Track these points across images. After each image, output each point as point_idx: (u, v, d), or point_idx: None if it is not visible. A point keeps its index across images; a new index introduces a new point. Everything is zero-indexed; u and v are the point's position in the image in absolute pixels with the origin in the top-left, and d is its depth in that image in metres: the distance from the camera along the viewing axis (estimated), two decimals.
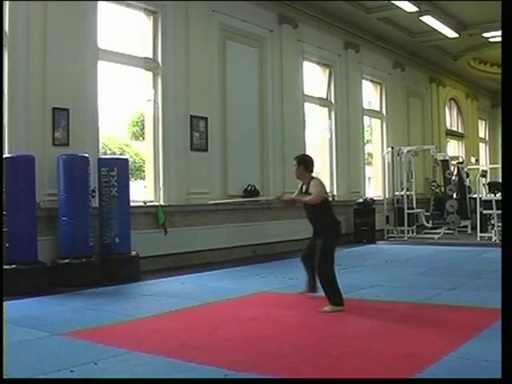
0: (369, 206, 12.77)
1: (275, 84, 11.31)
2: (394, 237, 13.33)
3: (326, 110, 13.05)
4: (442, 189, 14.34)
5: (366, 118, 14.82)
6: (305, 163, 5.75)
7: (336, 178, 13.03)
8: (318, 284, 5.64)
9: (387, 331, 4.64)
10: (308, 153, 12.09)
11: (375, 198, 13.38)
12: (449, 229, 13.49)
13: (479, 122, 21.90)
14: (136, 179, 11.25)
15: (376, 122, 15.18)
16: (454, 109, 19.93)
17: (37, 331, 4.71)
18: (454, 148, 19.86)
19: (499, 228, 11.44)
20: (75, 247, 7.18)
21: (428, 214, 14.42)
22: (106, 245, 7.68)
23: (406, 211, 13.25)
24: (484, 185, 12.45)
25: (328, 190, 12.87)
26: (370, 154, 16.03)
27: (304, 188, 5.75)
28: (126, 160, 8.21)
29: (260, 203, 10.53)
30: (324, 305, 5.38)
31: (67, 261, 7.11)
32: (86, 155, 7.40)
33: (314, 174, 5.81)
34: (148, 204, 8.89)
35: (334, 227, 5.68)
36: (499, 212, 11.12)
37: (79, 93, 7.84)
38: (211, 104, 9.91)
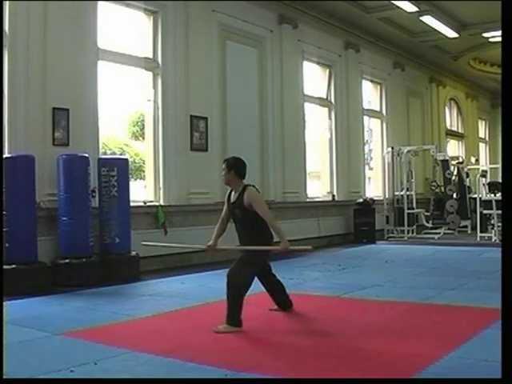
0: (369, 206, 12.77)
1: (275, 84, 11.31)
2: (393, 237, 13.33)
3: (326, 110, 13.05)
4: (442, 189, 14.33)
5: (366, 118, 14.83)
6: (236, 167, 4.93)
7: (336, 178, 13.02)
8: (286, 298, 5.32)
9: (387, 331, 4.64)
10: (307, 152, 12.19)
11: (375, 198, 13.38)
12: (449, 229, 13.49)
13: (479, 121, 21.90)
14: (136, 179, 11.25)
15: (376, 122, 15.18)
16: (454, 109, 19.93)
17: (37, 331, 4.71)
18: (453, 148, 19.86)
19: (499, 228, 11.43)
20: (75, 247, 7.18)
21: (428, 214, 14.42)
22: (106, 245, 7.68)
23: (406, 211, 13.25)
24: (484, 185, 12.45)
25: (328, 190, 12.93)
26: (370, 154, 16.03)
27: (233, 197, 4.97)
28: (126, 160, 8.22)
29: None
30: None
31: (67, 261, 7.11)
32: (86, 155, 7.39)
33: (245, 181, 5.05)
34: (148, 204, 8.89)
35: (268, 243, 4.96)
36: (499, 212, 11.12)
37: (79, 93, 7.84)
38: (211, 104, 9.90)
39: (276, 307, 5.38)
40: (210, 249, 5.20)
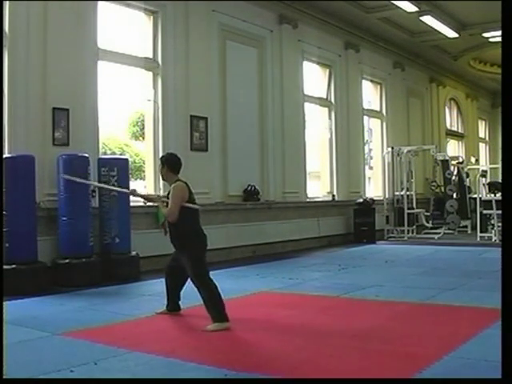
0: (369, 206, 12.77)
1: (275, 84, 11.30)
2: (394, 237, 13.33)
3: (326, 110, 13.04)
4: (442, 189, 14.33)
5: (366, 118, 14.83)
6: (168, 163, 5.13)
7: (336, 178, 13.02)
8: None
9: (387, 331, 4.64)
10: (307, 152, 12.19)
11: (375, 198, 13.38)
12: (449, 229, 13.49)
13: (479, 121, 21.90)
14: (136, 179, 11.25)
15: (376, 122, 15.18)
16: (454, 109, 19.93)
17: (37, 331, 4.71)
18: (453, 148, 19.86)
19: (499, 228, 11.44)
20: (75, 247, 7.17)
21: (428, 214, 14.42)
22: (106, 245, 7.68)
23: (406, 211, 13.25)
24: (484, 185, 12.45)
25: (328, 190, 12.91)
26: (370, 154, 16.03)
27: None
28: (126, 160, 8.22)
29: (260, 203, 10.54)
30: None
31: (67, 261, 7.11)
32: (86, 155, 7.39)
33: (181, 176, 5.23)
34: (148, 204, 8.87)
35: (198, 241, 5.00)
36: (499, 212, 11.12)
37: (79, 93, 7.84)
38: (211, 104, 9.90)
39: (163, 310, 5.37)
40: (130, 192, 5.65)
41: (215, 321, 4.71)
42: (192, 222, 5.02)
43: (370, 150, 16.88)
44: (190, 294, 6.51)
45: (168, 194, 5.13)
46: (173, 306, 5.37)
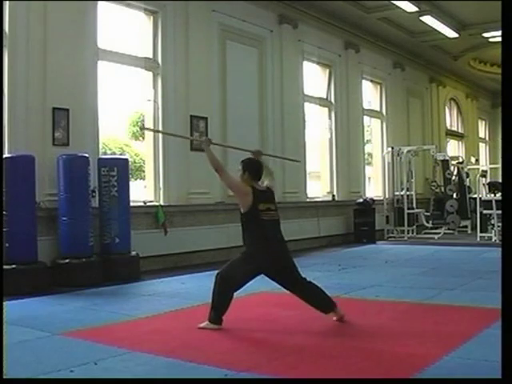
0: (369, 206, 12.77)
1: (275, 84, 11.31)
2: (394, 237, 13.33)
3: (326, 109, 13.04)
4: (442, 189, 14.33)
5: (366, 118, 14.83)
6: (250, 169, 4.85)
7: (336, 178, 13.02)
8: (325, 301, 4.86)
9: (387, 331, 4.64)
10: (307, 152, 12.18)
11: (375, 198, 13.38)
12: (449, 229, 13.49)
13: (479, 121, 21.89)
14: (136, 179, 11.26)
15: (376, 122, 15.18)
16: (454, 109, 19.93)
17: (37, 331, 4.71)
18: (454, 148, 19.86)
19: (499, 228, 11.43)
20: (75, 247, 7.18)
21: (428, 214, 14.42)
22: (106, 245, 7.68)
23: (406, 211, 13.25)
24: (484, 185, 12.45)
25: (328, 189, 12.90)
26: (370, 154, 16.02)
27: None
28: (126, 160, 8.21)
29: None
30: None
31: (67, 261, 7.11)
32: (86, 155, 7.39)
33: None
34: (148, 204, 8.89)
35: (262, 252, 4.68)
36: (499, 212, 11.12)
37: (79, 93, 7.84)
38: (211, 104, 9.90)
39: (335, 318, 4.88)
40: (206, 140, 5.03)
41: (210, 320, 4.69)
42: (256, 231, 4.75)
43: (370, 150, 16.85)
44: (190, 294, 6.53)
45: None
46: (325, 308, 4.90)
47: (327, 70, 13.06)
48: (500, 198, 11.26)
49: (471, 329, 4.55)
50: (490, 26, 13.42)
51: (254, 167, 4.85)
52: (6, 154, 6.84)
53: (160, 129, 9.08)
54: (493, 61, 17.62)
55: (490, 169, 14.34)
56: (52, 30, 7.55)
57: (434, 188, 15.39)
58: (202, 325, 4.71)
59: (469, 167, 15.52)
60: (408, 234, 13.25)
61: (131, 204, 8.02)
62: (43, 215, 7.27)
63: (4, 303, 5.20)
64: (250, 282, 4.91)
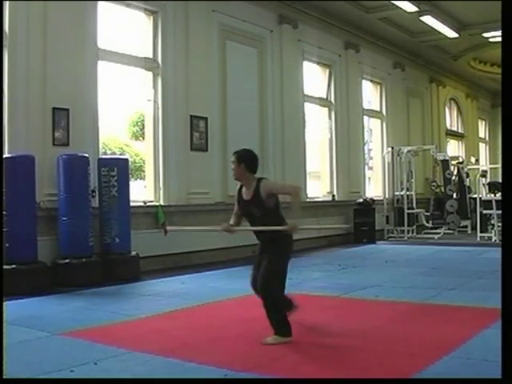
0: (369, 206, 12.77)
1: (275, 84, 11.31)
2: (394, 237, 13.33)
3: (326, 109, 13.05)
4: (442, 189, 14.33)
5: (366, 118, 14.82)
6: (246, 161, 4.65)
7: (336, 178, 13.02)
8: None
9: (387, 331, 4.64)
10: (307, 152, 12.18)
11: (375, 198, 13.38)
12: (449, 229, 13.49)
13: (479, 121, 21.90)
14: (136, 179, 11.24)
15: (376, 122, 15.18)
16: (454, 109, 19.93)
17: (37, 331, 4.71)
18: (453, 148, 19.86)
19: (499, 228, 11.43)
20: (75, 247, 7.18)
21: (428, 213, 14.42)
22: (106, 245, 7.68)
23: (406, 211, 13.25)
24: (484, 185, 12.45)
25: (328, 189, 12.92)
26: (370, 155, 16.03)
27: (246, 194, 4.59)
28: (126, 160, 8.22)
29: None
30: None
31: (67, 261, 7.11)
32: (86, 155, 7.39)
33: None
34: (148, 204, 8.89)
35: (290, 236, 4.62)
36: (499, 212, 11.12)
37: (79, 93, 7.84)
38: (211, 104, 9.90)
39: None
40: (227, 228, 4.81)
41: (279, 334, 4.27)
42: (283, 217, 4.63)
43: (370, 150, 16.86)
44: (190, 294, 6.53)
45: (238, 195, 4.65)
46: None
47: (327, 70, 13.06)
48: (500, 198, 11.26)
49: (471, 329, 4.55)
50: (490, 26, 13.41)
51: (250, 159, 4.68)
52: (5, 154, 6.84)
53: (160, 128, 9.08)
54: (493, 61, 17.62)
55: (490, 169, 14.32)
56: (52, 30, 7.55)
57: (433, 188, 15.39)
58: (269, 340, 4.21)
59: (469, 167, 15.52)
60: (408, 234, 13.25)
61: (131, 204, 8.02)
62: (43, 215, 7.27)
63: (4, 303, 5.20)
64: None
